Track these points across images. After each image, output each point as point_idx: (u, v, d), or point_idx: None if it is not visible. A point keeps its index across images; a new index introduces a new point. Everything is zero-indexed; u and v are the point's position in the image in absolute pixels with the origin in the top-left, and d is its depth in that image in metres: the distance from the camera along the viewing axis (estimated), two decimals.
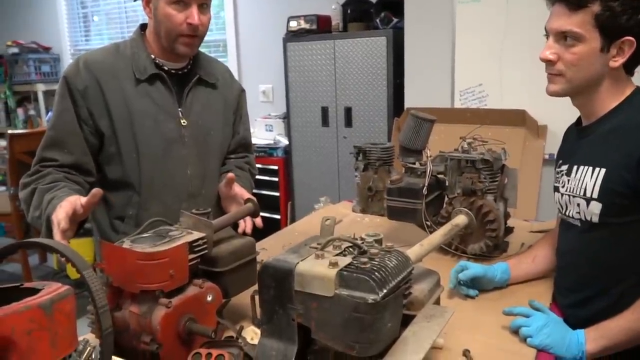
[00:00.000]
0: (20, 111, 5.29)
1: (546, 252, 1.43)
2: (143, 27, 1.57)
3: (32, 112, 5.23)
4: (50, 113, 4.96)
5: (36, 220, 1.37)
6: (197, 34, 1.46)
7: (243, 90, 1.78)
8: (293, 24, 3.51)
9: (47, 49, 5.25)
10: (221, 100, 1.65)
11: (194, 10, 1.42)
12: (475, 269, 1.32)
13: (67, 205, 1.21)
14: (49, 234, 1.27)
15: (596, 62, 1.19)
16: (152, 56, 1.52)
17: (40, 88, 5.06)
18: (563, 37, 1.20)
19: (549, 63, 1.24)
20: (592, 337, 1.11)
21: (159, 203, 1.52)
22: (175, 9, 1.42)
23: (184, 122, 1.54)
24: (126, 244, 0.99)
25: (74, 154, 1.45)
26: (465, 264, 1.35)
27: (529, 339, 1.12)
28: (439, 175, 1.62)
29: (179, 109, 1.54)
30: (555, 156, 1.44)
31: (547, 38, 1.26)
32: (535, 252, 1.45)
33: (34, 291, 0.64)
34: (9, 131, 3.67)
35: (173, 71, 1.55)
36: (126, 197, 1.52)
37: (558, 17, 1.20)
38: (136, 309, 0.97)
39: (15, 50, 5.10)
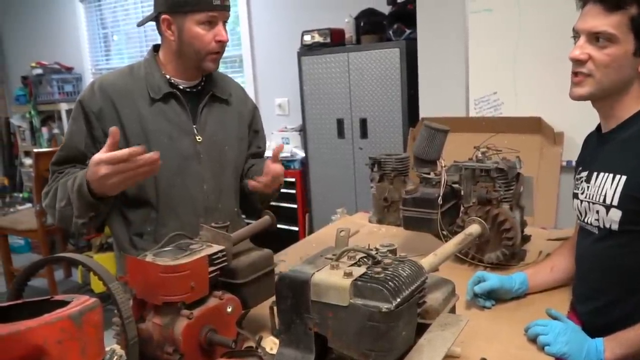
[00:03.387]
0: (44, 130, 5.43)
1: (564, 261, 1.42)
2: (155, 48, 1.61)
3: (56, 131, 5.37)
4: None
5: (65, 208, 1.42)
6: (223, 50, 1.53)
7: (256, 108, 1.82)
8: (307, 38, 3.56)
9: (69, 69, 5.39)
10: (235, 116, 1.69)
11: (221, 27, 1.49)
12: (491, 281, 1.32)
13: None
14: (83, 202, 1.35)
15: (627, 65, 1.18)
16: (167, 76, 1.56)
17: (64, 107, 5.19)
18: (595, 37, 1.18)
19: (578, 63, 1.21)
20: (611, 346, 1.10)
21: (176, 219, 1.55)
22: (204, 28, 1.47)
23: (199, 139, 1.57)
24: (149, 258, 1.02)
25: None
26: (482, 274, 1.35)
27: (546, 347, 1.11)
28: (454, 185, 1.63)
29: (194, 126, 1.57)
30: (573, 163, 1.42)
31: (575, 39, 1.24)
32: (554, 261, 1.44)
33: (64, 303, 0.68)
34: (35, 150, 3.79)
35: (187, 89, 1.59)
36: (144, 214, 1.55)
37: (593, 17, 1.18)
38: (159, 321, 0.99)
39: (39, 71, 5.25)
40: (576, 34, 1.24)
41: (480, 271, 1.39)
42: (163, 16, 1.49)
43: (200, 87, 1.62)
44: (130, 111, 1.50)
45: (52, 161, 1.55)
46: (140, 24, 1.62)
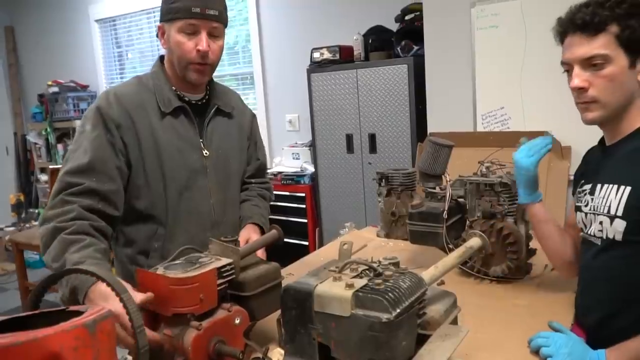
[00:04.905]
0: (60, 147, 5.54)
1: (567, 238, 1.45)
2: (162, 58, 1.60)
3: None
4: None
5: (52, 269, 1.26)
6: (206, 61, 1.50)
7: (254, 116, 1.82)
8: (316, 55, 3.62)
9: (84, 87, 5.51)
10: (236, 129, 1.70)
11: (203, 36, 1.47)
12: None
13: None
14: (73, 300, 1.18)
15: (627, 80, 1.20)
16: (174, 88, 1.56)
17: (79, 124, 5.29)
18: (589, 63, 1.20)
19: (580, 91, 1.23)
20: (614, 357, 1.11)
21: (184, 233, 1.53)
22: (185, 36, 1.46)
23: (206, 153, 1.58)
24: (160, 270, 1.06)
25: (102, 182, 1.40)
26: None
27: (549, 359, 1.12)
28: (460, 199, 1.65)
29: (201, 140, 1.58)
30: None
31: (567, 72, 1.26)
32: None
33: (78, 313, 0.72)
34: (50, 166, 3.87)
35: (193, 102, 1.59)
36: (151, 231, 1.53)
37: (579, 46, 1.21)
38: (169, 332, 1.03)
39: (55, 89, 5.37)
40: (567, 67, 1.26)
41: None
42: (159, 25, 1.53)
43: (205, 101, 1.63)
44: (143, 123, 1.50)
45: (68, 169, 1.39)
46: None
